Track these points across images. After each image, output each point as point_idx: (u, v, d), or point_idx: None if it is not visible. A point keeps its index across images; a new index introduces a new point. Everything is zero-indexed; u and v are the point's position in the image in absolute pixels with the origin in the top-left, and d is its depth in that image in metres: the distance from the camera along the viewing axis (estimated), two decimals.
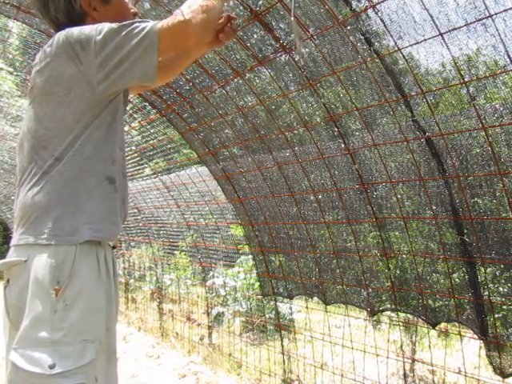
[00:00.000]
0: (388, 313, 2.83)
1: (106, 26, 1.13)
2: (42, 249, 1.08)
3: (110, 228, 1.19)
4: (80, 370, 1.03)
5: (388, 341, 2.78)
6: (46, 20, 1.31)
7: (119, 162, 1.25)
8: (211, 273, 4.70)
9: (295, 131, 2.63)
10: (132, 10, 1.38)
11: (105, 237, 1.17)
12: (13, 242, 1.16)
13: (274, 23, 2.15)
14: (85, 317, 1.08)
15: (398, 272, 2.48)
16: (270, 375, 3.42)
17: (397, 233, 2.46)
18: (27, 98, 1.26)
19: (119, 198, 1.24)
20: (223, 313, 4.77)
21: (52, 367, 1.00)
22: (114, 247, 1.30)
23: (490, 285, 2.13)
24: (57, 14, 1.26)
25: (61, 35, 1.15)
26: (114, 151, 1.23)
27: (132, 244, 6.30)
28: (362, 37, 1.92)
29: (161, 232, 5.30)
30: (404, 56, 1.84)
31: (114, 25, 1.12)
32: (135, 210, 5.54)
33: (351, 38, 1.96)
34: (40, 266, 1.07)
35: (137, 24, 1.13)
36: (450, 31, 1.65)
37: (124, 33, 1.11)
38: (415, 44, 1.78)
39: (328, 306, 2.95)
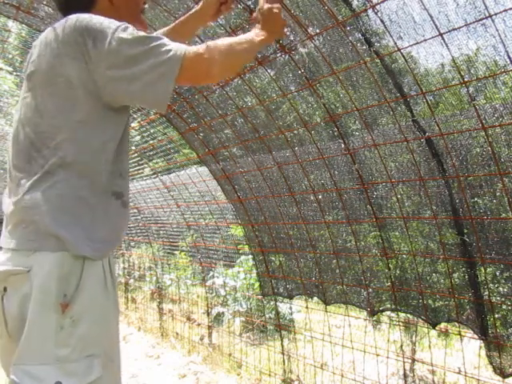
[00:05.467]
0: (388, 313, 2.82)
1: (128, 28, 1.01)
2: (46, 257, 1.00)
3: (112, 244, 1.14)
4: None
5: (388, 341, 2.78)
6: (56, 2, 1.21)
7: (128, 174, 1.19)
8: (211, 273, 4.70)
9: (295, 131, 2.63)
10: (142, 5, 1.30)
11: (104, 255, 1.10)
12: (7, 244, 1.06)
13: None
14: (91, 331, 1.02)
15: (398, 272, 2.48)
16: (270, 375, 3.42)
17: (397, 233, 2.46)
18: (25, 81, 1.12)
19: (128, 213, 1.18)
20: (223, 313, 4.77)
21: None
22: None
23: (490, 285, 2.13)
24: None
25: (73, 22, 1.03)
26: (124, 163, 1.16)
27: (132, 244, 6.30)
28: (361, 37, 1.91)
29: (161, 232, 5.30)
30: (404, 56, 1.84)
31: (139, 33, 1.01)
32: (135, 210, 5.54)
33: (351, 38, 1.96)
34: (45, 277, 0.98)
35: (162, 42, 1.01)
36: (449, 31, 1.65)
37: (146, 46, 0.99)
38: (415, 44, 1.77)
39: (328, 306, 2.94)
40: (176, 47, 1.01)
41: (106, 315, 1.08)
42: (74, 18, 1.04)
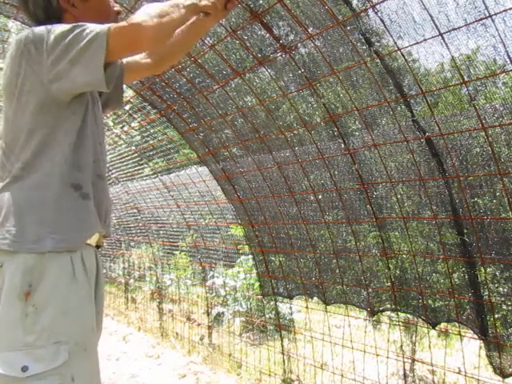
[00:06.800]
0: (388, 313, 2.82)
1: (58, 26, 1.11)
2: (14, 254, 1.10)
3: (78, 235, 1.18)
4: (54, 371, 1.05)
5: (388, 341, 2.78)
6: (26, 15, 1.30)
7: (88, 166, 1.24)
8: (211, 273, 4.70)
9: (295, 131, 2.63)
10: (115, 8, 1.35)
11: (71, 246, 1.16)
12: None
13: (273, 23, 2.15)
14: (57, 319, 1.09)
15: (398, 272, 2.48)
16: (270, 375, 3.42)
17: (397, 233, 2.46)
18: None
19: (91, 204, 1.23)
20: (223, 313, 4.77)
21: (25, 370, 1.02)
22: (98, 246, 1.29)
23: (490, 285, 2.13)
24: (35, 10, 1.25)
25: (18, 37, 1.15)
26: (81, 157, 1.22)
27: (132, 244, 6.30)
28: (361, 37, 1.92)
29: (161, 232, 5.30)
30: (404, 56, 1.84)
31: (66, 26, 1.11)
32: (135, 210, 5.54)
33: (351, 37, 1.96)
34: (13, 271, 1.08)
35: (88, 25, 1.10)
36: (449, 31, 1.65)
37: (73, 34, 1.08)
38: (415, 44, 1.78)
39: (328, 306, 2.94)
40: (100, 26, 1.10)
41: (74, 306, 1.14)
42: (20, 34, 1.15)
